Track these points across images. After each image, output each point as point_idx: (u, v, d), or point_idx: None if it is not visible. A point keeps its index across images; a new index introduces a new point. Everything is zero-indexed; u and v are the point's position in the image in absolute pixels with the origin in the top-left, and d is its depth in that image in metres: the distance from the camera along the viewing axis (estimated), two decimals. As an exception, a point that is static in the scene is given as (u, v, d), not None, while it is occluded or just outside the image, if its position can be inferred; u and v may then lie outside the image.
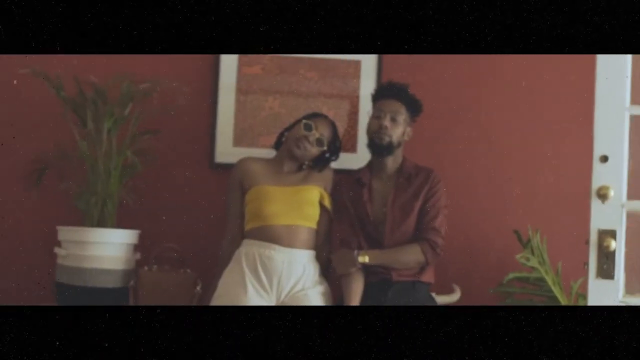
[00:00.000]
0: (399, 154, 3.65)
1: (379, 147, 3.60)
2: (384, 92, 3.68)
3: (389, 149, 3.59)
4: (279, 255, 3.45)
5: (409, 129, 3.64)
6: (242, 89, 4.11)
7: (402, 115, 3.60)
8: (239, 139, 4.09)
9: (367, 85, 4.08)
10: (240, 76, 4.12)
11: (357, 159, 3.93)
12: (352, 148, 4.08)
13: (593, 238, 2.60)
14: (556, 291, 3.62)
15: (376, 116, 3.63)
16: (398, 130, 3.59)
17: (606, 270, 2.58)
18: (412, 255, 3.49)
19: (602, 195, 2.60)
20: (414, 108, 3.65)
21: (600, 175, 2.62)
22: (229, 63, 4.09)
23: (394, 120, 3.59)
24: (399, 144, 3.62)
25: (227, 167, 3.83)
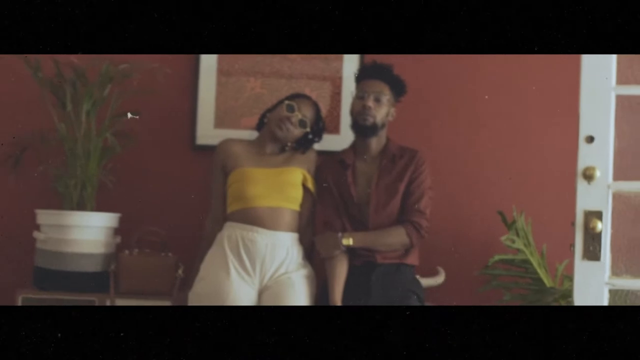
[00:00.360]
0: (383, 135, 3.63)
1: (363, 128, 3.58)
2: (368, 72, 3.66)
3: (373, 129, 3.57)
4: (262, 238, 3.43)
5: (392, 110, 3.63)
6: (223, 70, 4.09)
7: (386, 96, 3.59)
8: (221, 121, 4.07)
9: (350, 65, 4.06)
10: (221, 57, 4.09)
11: (340, 140, 3.92)
12: (335, 129, 4.06)
13: (579, 219, 2.59)
14: (541, 273, 3.63)
15: (359, 97, 3.60)
16: (382, 110, 3.57)
17: (592, 252, 2.57)
18: (396, 237, 3.49)
19: (588, 176, 2.58)
20: (398, 88, 3.63)
21: (586, 156, 2.60)
22: (209, 43, 4.07)
23: (377, 100, 3.57)
24: (383, 125, 3.60)
25: (209, 149, 3.80)
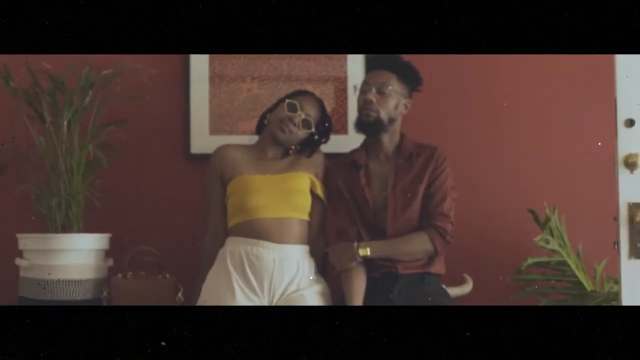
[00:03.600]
0: (395, 131, 3.55)
1: (366, 125, 3.51)
2: (373, 63, 3.60)
3: (378, 125, 3.49)
4: (269, 253, 3.37)
5: (405, 101, 3.54)
6: (216, 71, 4.05)
7: (391, 87, 3.49)
8: (216, 126, 4.04)
9: (355, 58, 4.02)
10: (213, 57, 4.05)
11: (348, 140, 3.85)
12: (343, 129, 4.00)
13: (623, 213, 2.55)
14: (580, 276, 3.59)
15: (362, 90, 3.54)
16: (388, 104, 3.49)
17: (640, 249, 2.53)
18: (419, 244, 3.41)
19: (631, 164, 2.56)
20: (409, 77, 3.54)
21: (626, 142, 2.58)
22: (199, 43, 4.03)
23: (381, 93, 3.48)
24: (392, 119, 3.51)
25: (205, 158, 3.75)
